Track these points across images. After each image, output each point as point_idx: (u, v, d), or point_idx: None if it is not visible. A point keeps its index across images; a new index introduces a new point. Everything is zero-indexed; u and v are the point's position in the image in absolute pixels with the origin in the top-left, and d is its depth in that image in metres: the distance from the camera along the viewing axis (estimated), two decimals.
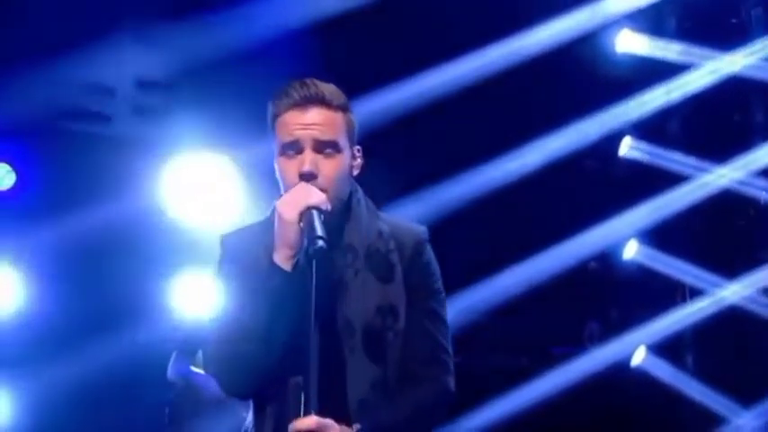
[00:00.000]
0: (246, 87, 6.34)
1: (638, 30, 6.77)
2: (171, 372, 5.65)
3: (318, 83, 2.57)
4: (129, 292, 6.31)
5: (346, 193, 2.59)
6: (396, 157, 6.18)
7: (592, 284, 6.53)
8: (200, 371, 5.63)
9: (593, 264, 6.56)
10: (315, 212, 2.42)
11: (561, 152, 6.43)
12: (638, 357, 6.54)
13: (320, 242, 2.35)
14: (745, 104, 6.82)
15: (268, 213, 2.61)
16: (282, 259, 2.45)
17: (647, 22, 6.78)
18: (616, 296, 6.77)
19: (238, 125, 6.28)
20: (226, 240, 2.66)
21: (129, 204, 6.12)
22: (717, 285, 6.49)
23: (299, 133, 2.52)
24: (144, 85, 6.63)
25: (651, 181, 6.67)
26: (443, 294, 2.66)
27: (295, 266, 2.45)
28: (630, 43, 6.78)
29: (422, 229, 2.68)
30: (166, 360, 5.65)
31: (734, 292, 6.37)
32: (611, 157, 6.79)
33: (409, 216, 2.88)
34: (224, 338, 2.50)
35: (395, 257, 2.59)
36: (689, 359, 6.62)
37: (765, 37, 6.67)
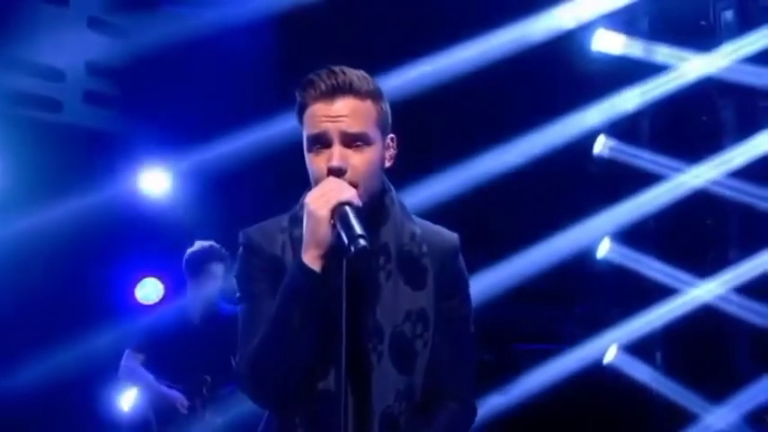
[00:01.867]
0: (204, 78, 6.38)
1: (613, 29, 6.79)
2: (123, 371, 5.57)
3: (347, 70, 2.40)
4: (85, 290, 6.21)
5: (377, 189, 2.44)
6: None
7: (565, 282, 6.53)
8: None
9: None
10: (349, 209, 2.26)
11: (536, 151, 6.44)
12: (610, 355, 6.54)
13: (362, 241, 2.19)
14: (714, 105, 6.91)
15: (297, 207, 2.47)
16: (312, 259, 2.29)
17: (622, 21, 6.83)
18: (589, 294, 6.79)
19: (194, 117, 6.20)
20: (248, 237, 2.49)
21: (82, 199, 6.02)
22: (688, 284, 6.55)
23: (326, 126, 2.36)
24: (96, 71, 6.48)
25: (625, 179, 6.73)
26: (471, 304, 2.54)
27: (324, 266, 2.30)
28: (606, 42, 6.82)
29: (455, 236, 2.55)
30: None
31: (707, 291, 6.44)
32: (585, 155, 6.81)
33: None
34: (252, 344, 2.36)
35: (427, 262, 2.45)
36: (658, 356, 6.66)
37: (734, 40, 6.73)
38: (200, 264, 5.64)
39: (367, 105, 2.39)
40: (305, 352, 2.31)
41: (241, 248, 2.49)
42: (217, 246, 5.68)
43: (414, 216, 2.54)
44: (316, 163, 2.38)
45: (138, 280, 6.79)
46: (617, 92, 6.71)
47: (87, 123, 6.50)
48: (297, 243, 2.37)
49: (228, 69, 6.40)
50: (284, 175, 6.59)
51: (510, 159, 6.42)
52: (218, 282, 5.64)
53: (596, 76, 6.76)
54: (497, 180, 6.44)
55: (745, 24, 6.81)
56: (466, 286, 2.53)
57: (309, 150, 2.40)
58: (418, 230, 2.48)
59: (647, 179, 6.70)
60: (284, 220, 2.48)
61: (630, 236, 6.72)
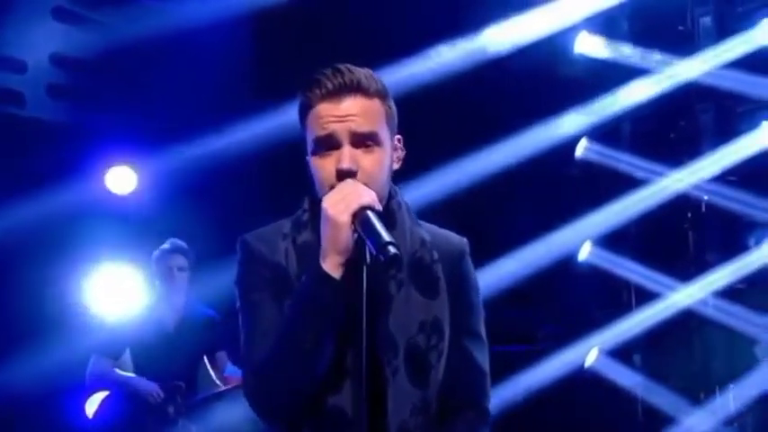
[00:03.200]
0: (177, 73, 6.24)
1: (594, 32, 6.80)
2: (90, 378, 5.41)
3: (353, 68, 2.30)
4: (46, 291, 5.98)
5: (386, 191, 2.33)
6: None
7: (545, 285, 6.54)
8: (129, 374, 5.44)
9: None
10: (371, 213, 2.15)
11: (518, 154, 6.43)
12: (591, 358, 6.56)
13: (392, 249, 2.08)
14: (693, 110, 6.97)
15: (300, 212, 2.38)
16: (332, 267, 2.17)
17: (603, 25, 6.87)
18: (570, 296, 6.79)
19: (165, 114, 6.06)
20: (246, 243, 2.37)
21: (45, 196, 5.81)
22: (666, 286, 6.58)
23: (335, 126, 2.24)
24: (60, 63, 6.25)
25: (606, 183, 6.73)
26: (482, 311, 2.45)
27: (343, 275, 2.18)
28: (588, 45, 6.84)
29: (464, 240, 2.45)
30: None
31: (687, 295, 6.47)
32: (567, 158, 6.83)
33: None
34: (259, 356, 2.24)
35: (438, 269, 2.34)
36: (637, 359, 6.69)
37: (712, 45, 6.77)
38: (163, 261, 5.54)
39: (375, 104, 2.29)
40: (322, 366, 2.20)
41: (240, 255, 2.37)
42: (177, 241, 5.59)
43: (420, 221, 2.44)
44: (323, 166, 2.26)
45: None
46: (599, 95, 6.71)
47: (51, 117, 6.27)
48: (301, 250, 2.29)
49: (201, 65, 6.28)
50: (259, 176, 6.57)
51: (492, 162, 6.39)
52: (184, 275, 5.53)
53: (578, 78, 6.77)
54: (478, 183, 6.42)
55: (722, 30, 6.88)
56: (477, 292, 2.43)
57: (315, 153, 2.28)
58: (428, 236, 2.38)
59: (627, 182, 6.72)
60: (285, 225, 2.37)
61: (611, 239, 6.72)
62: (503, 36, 6.63)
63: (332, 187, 2.21)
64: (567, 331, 6.63)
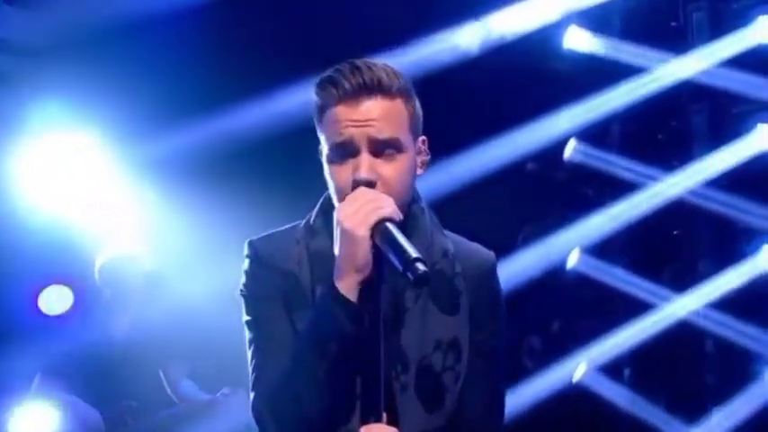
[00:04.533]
0: (133, 62, 5.83)
1: (585, 27, 6.58)
2: (34, 397, 5.02)
3: (373, 65, 2.12)
4: None
5: (408, 200, 2.18)
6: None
7: (533, 295, 6.22)
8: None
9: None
10: (393, 227, 2.00)
11: (504, 155, 6.14)
12: (579, 373, 6.29)
13: (420, 266, 1.94)
14: (685, 110, 6.72)
15: (313, 216, 2.21)
16: (349, 287, 2.02)
17: (594, 20, 6.61)
18: (558, 307, 6.47)
19: (112, 105, 5.69)
20: (256, 248, 2.21)
21: None
22: (659, 296, 6.34)
23: (352, 132, 2.09)
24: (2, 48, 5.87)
25: (595, 185, 6.51)
26: (505, 334, 2.28)
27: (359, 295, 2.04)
28: (577, 40, 6.59)
29: (492, 255, 2.30)
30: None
31: (680, 305, 6.24)
32: (555, 160, 6.55)
33: None
34: (270, 378, 2.09)
35: (460, 283, 2.19)
36: (626, 372, 6.44)
37: (706, 43, 6.50)
38: (115, 273, 5.12)
39: (398, 106, 2.12)
40: (340, 391, 2.05)
41: (247, 262, 2.22)
42: (138, 255, 5.18)
43: (445, 230, 2.28)
44: (339, 175, 2.11)
45: (42, 288, 5.98)
46: (588, 93, 6.45)
47: None
48: (315, 258, 2.14)
49: (161, 55, 5.93)
50: (222, 176, 6.29)
51: (474, 164, 6.05)
52: (137, 294, 5.17)
53: (567, 75, 6.52)
54: (459, 187, 6.09)
55: (716, 27, 6.62)
56: (502, 314, 2.27)
57: (331, 160, 2.13)
58: (451, 246, 2.22)
59: (618, 186, 6.46)
60: (297, 230, 2.22)
61: (601, 246, 6.47)
62: (487, 30, 6.33)
63: None
64: (554, 344, 6.31)
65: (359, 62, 2.13)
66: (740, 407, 6.04)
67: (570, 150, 6.57)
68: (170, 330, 5.30)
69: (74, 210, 5.73)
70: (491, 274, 2.27)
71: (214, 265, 5.72)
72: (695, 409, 6.17)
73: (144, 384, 5.19)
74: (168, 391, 5.25)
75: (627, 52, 6.53)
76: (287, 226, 2.27)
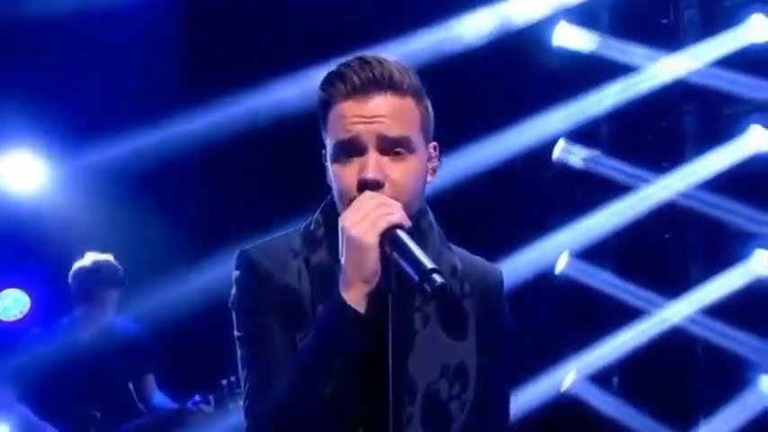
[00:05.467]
0: (92, 55, 5.65)
1: (574, 23, 6.42)
2: None
3: (383, 60, 2.00)
4: None
5: (417, 208, 2.03)
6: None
7: (520, 300, 6.04)
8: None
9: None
10: (404, 234, 1.88)
11: (491, 155, 5.97)
12: (568, 382, 6.16)
13: (437, 277, 1.82)
14: (676, 111, 6.58)
15: (312, 225, 2.05)
16: (356, 298, 1.89)
17: (583, 16, 6.46)
18: (546, 313, 6.30)
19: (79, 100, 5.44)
20: (251, 259, 2.05)
21: None
22: (649, 302, 6.20)
23: (360, 128, 1.96)
24: None
25: (585, 187, 6.35)
26: (511, 358, 2.17)
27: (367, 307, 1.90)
28: (567, 37, 6.43)
29: (498, 271, 2.19)
30: None
31: (671, 312, 6.12)
32: (544, 160, 6.39)
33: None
34: (270, 398, 1.93)
35: (469, 305, 2.06)
36: (615, 381, 6.32)
37: (697, 42, 6.35)
38: (90, 288, 4.92)
39: (409, 104, 2.00)
40: (345, 415, 1.91)
41: (240, 273, 2.06)
42: (113, 264, 5.01)
43: (451, 244, 2.14)
44: (343, 175, 1.97)
45: None
46: (578, 91, 6.29)
47: None
48: (316, 273, 2.01)
49: (122, 47, 5.76)
50: (187, 176, 6.10)
51: (461, 165, 5.87)
52: (112, 309, 5.03)
53: (556, 73, 6.34)
54: (445, 187, 5.88)
55: (708, 25, 6.49)
56: (510, 337, 2.15)
57: (335, 160, 2.00)
58: (459, 263, 2.08)
59: (608, 187, 6.31)
60: (294, 240, 2.08)
61: (591, 250, 6.33)
62: (474, 26, 6.15)
63: (352, 202, 1.94)
64: (542, 350, 6.14)
65: (369, 56, 2.01)
66: (731, 416, 5.93)
67: (559, 150, 6.42)
68: (141, 341, 5.14)
69: (31, 214, 5.50)
70: (499, 294, 2.16)
71: (184, 273, 5.57)
72: (685, 418, 6.06)
73: (111, 395, 5.00)
74: (138, 403, 5.05)
75: (617, 50, 6.39)
76: (279, 234, 2.12)
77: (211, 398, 5.04)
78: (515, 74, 6.12)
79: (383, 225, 1.89)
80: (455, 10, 6.08)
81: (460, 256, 2.13)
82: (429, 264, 1.84)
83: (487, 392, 2.08)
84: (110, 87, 5.71)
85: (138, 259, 5.38)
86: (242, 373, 2.05)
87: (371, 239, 1.88)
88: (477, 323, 2.06)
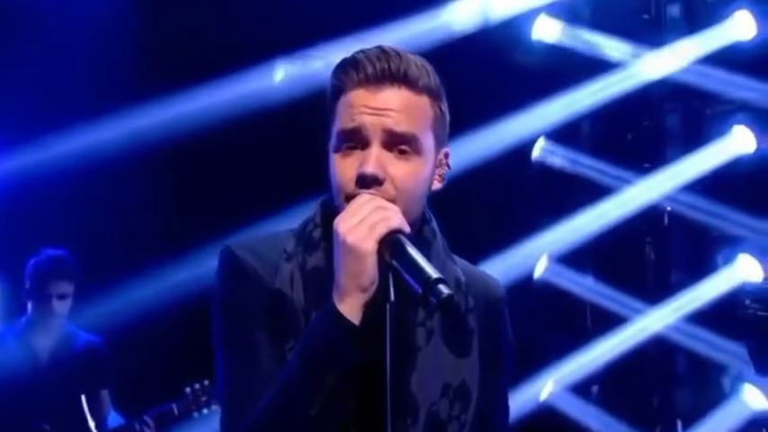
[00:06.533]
0: (39, 47, 5.43)
1: (555, 17, 6.26)
2: None
3: (402, 52, 1.91)
4: None
5: (418, 215, 1.93)
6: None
7: None
8: None
9: None
10: (406, 241, 1.78)
11: (467, 154, 5.72)
12: (547, 391, 6.02)
13: (444, 288, 1.72)
14: (658, 110, 6.43)
15: (309, 225, 1.95)
16: (352, 309, 1.79)
17: (563, 10, 6.28)
18: (524, 319, 6.09)
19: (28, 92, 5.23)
20: (237, 257, 1.92)
21: None
22: (629, 307, 6.05)
23: (366, 119, 1.87)
24: None
25: (565, 189, 6.20)
26: (511, 373, 2.10)
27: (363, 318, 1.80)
28: (547, 31, 6.26)
29: (500, 284, 2.10)
30: None
31: (651, 319, 5.98)
32: (523, 160, 6.22)
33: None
34: (252, 416, 1.81)
35: (473, 320, 1.97)
36: (594, 389, 6.20)
37: (680, 38, 6.20)
38: (41, 281, 4.73)
39: (422, 102, 1.90)
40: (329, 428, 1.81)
41: (225, 271, 1.94)
42: (64, 257, 4.84)
43: (454, 255, 2.04)
44: (342, 167, 1.88)
45: None
46: (559, 88, 6.12)
47: None
48: (311, 277, 1.89)
49: (75, 39, 5.55)
50: (145, 176, 5.88)
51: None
52: (64, 305, 4.82)
53: (536, 69, 6.15)
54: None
55: (691, 21, 6.36)
56: (512, 354, 2.09)
57: (337, 149, 1.90)
58: (462, 276, 1.99)
59: (588, 189, 6.16)
60: (286, 241, 1.95)
61: (571, 254, 6.19)
62: (450, 19, 5.98)
63: (348, 197, 1.85)
64: (520, 359, 5.93)
65: (388, 47, 1.92)
66: (714, 426, 5.81)
67: (539, 150, 6.26)
68: (99, 354, 4.94)
69: None
70: (502, 308, 2.07)
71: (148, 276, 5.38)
72: (666, 428, 5.98)
73: (63, 408, 4.79)
74: (89, 419, 4.84)
75: (598, 45, 6.24)
76: (266, 234, 2.01)
77: (174, 407, 4.88)
78: (493, 70, 5.91)
79: (382, 230, 1.79)
80: (429, 3, 5.89)
81: (462, 267, 2.04)
82: (434, 273, 1.75)
83: (488, 411, 2.00)
84: (63, 80, 5.51)
85: (93, 258, 5.20)
86: (220, 383, 1.93)
87: (369, 246, 1.78)
88: (480, 339, 1.98)
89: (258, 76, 5.75)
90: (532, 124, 6.09)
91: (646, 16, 6.32)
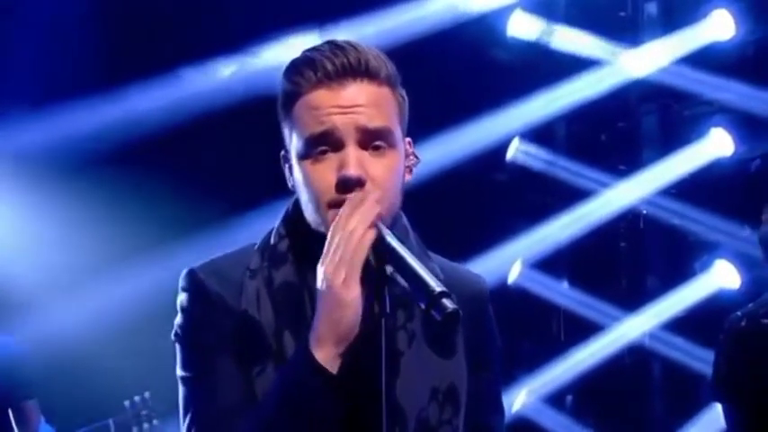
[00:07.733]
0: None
1: (530, 13, 6.12)
2: None
3: (356, 45, 1.85)
4: None
5: (396, 210, 1.88)
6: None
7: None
8: None
9: None
10: (400, 247, 1.72)
11: (439, 156, 5.58)
12: (520, 402, 5.93)
13: (449, 303, 1.66)
14: (634, 111, 6.32)
15: (273, 238, 1.87)
16: (328, 357, 1.71)
17: (538, 6, 6.15)
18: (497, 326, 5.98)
19: None
20: (198, 281, 1.85)
21: None
22: (604, 314, 5.95)
23: (336, 119, 1.80)
24: None
25: (541, 191, 6.09)
26: (501, 373, 2.05)
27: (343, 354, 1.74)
28: (523, 27, 6.11)
29: (483, 281, 2.05)
30: None
31: (627, 326, 5.90)
32: (497, 161, 6.08)
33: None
34: None
35: None
36: (569, 399, 6.08)
37: (657, 37, 6.10)
38: None
39: (386, 93, 1.85)
40: None
41: (187, 297, 1.87)
42: None
43: (430, 252, 1.99)
44: (318, 174, 1.80)
45: None
46: (534, 87, 5.98)
47: None
48: (280, 294, 1.83)
49: (30, 33, 5.43)
50: (101, 173, 5.73)
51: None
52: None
53: (511, 66, 6.05)
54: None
55: (668, 19, 6.27)
56: (499, 352, 2.04)
57: (306, 156, 1.82)
58: (440, 273, 1.85)
59: (565, 191, 6.04)
60: (250, 257, 1.88)
61: (546, 259, 6.09)
62: (420, 14, 5.75)
63: (330, 204, 1.79)
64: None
65: (340, 41, 1.84)
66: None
67: (513, 151, 6.13)
68: (22, 362, 4.72)
69: None
70: (486, 305, 2.03)
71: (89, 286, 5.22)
72: None
73: None
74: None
75: (573, 43, 6.10)
76: (231, 251, 1.92)
77: (111, 422, 4.74)
78: (467, 67, 5.82)
79: (361, 257, 1.71)
80: None
81: (443, 265, 1.96)
82: (437, 286, 1.67)
83: (480, 413, 1.97)
84: (20, 72, 5.39)
85: (40, 262, 5.11)
86: (184, 416, 1.86)
87: (353, 294, 1.71)
88: (465, 338, 1.92)
89: (214, 71, 5.62)
90: (507, 124, 5.96)
91: (622, 14, 6.21)
